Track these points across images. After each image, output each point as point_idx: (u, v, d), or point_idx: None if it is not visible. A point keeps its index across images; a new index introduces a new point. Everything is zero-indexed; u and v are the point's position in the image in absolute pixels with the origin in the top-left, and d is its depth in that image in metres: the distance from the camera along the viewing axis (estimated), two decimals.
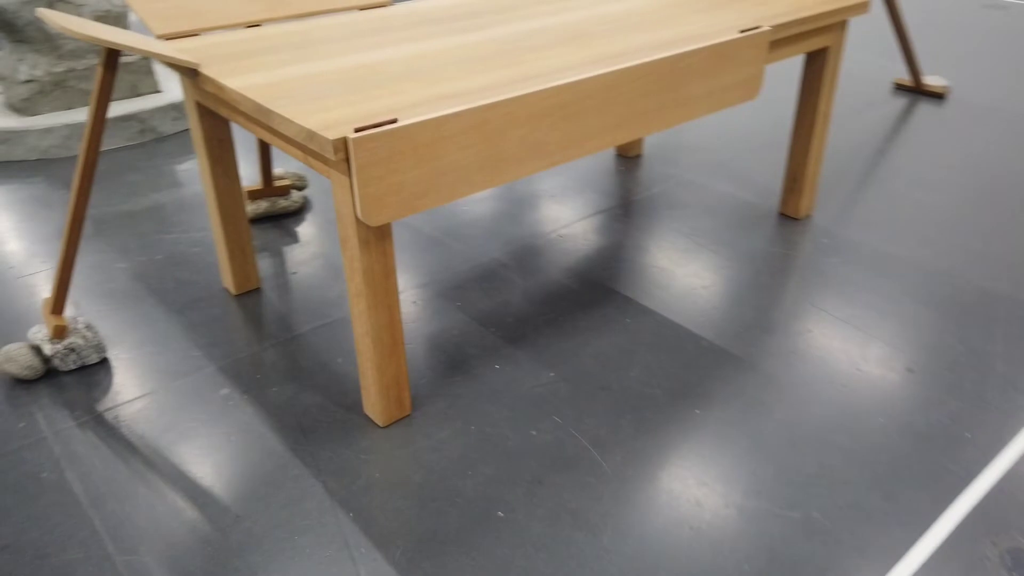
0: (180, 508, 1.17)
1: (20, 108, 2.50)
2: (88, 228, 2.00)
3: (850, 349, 1.52)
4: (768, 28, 1.55)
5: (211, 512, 1.17)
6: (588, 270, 1.80)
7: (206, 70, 1.32)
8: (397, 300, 1.25)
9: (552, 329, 1.59)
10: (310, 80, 1.27)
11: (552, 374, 1.46)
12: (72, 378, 1.45)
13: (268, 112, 1.16)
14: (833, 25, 1.79)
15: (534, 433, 1.32)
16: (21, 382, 1.44)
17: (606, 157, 2.42)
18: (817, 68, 1.86)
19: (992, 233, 1.95)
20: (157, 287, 1.74)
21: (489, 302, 1.69)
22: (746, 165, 2.36)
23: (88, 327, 1.48)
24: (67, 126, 2.42)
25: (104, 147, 2.49)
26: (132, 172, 2.33)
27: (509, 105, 1.18)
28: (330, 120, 1.10)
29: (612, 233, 1.97)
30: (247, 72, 1.31)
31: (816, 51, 1.85)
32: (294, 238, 1.95)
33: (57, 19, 1.26)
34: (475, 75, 1.29)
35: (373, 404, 1.32)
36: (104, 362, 1.50)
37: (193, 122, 1.54)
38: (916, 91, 2.95)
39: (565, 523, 1.15)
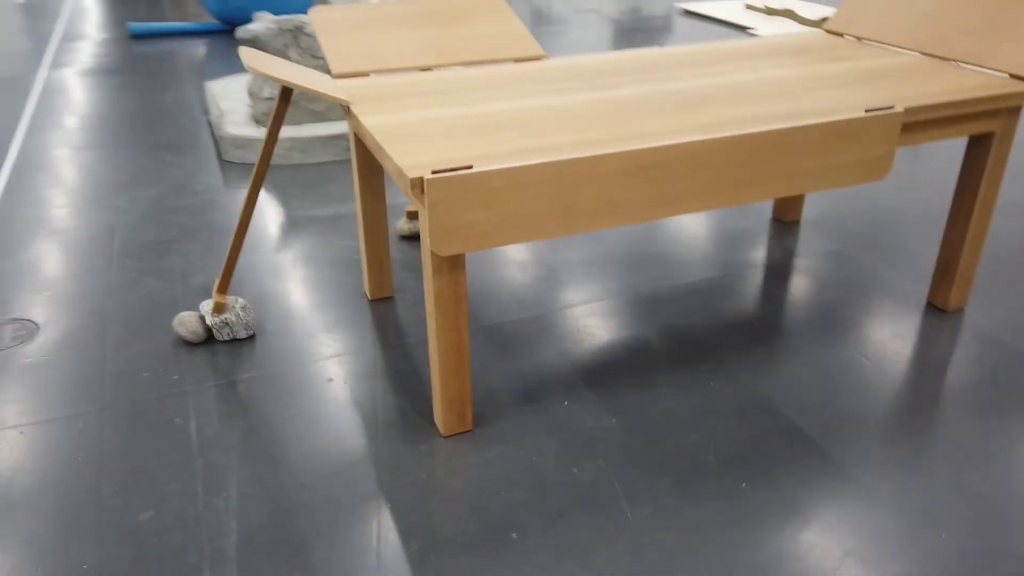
0: (261, 468, 1.40)
1: (260, 121, 2.99)
2: (283, 226, 2.36)
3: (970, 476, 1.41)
4: (899, 110, 1.50)
5: (284, 476, 1.38)
6: (696, 327, 1.82)
7: (355, 107, 1.56)
8: (466, 323, 1.39)
9: (633, 379, 1.64)
10: (435, 123, 1.45)
11: (614, 420, 1.51)
12: (224, 347, 1.76)
13: (379, 148, 1.35)
14: (1000, 110, 1.66)
15: (575, 471, 1.39)
16: (187, 343, 1.77)
17: (761, 218, 2.39)
18: (980, 153, 1.73)
19: None
20: (314, 283, 2.03)
21: (588, 343, 1.77)
22: (909, 243, 2.21)
23: (244, 308, 1.79)
24: (290, 139, 2.87)
25: (315, 160, 2.90)
26: (331, 183, 2.70)
27: (584, 163, 1.27)
28: (423, 161, 1.27)
29: (738, 296, 1.96)
30: (387, 112, 1.53)
31: (981, 135, 1.72)
32: None
33: (247, 56, 1.56)
34: (578, 131, 1.40)
35: (439, 415, 1.47)
36: (252, 338, 1.79)
37: (352, 149, 1.80)
38: None
39: (571, 559, 1.21)
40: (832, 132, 1.46)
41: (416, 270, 2.10)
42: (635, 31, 5.02)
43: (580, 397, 1.58)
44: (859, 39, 2.07)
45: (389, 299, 1.96)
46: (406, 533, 1.26)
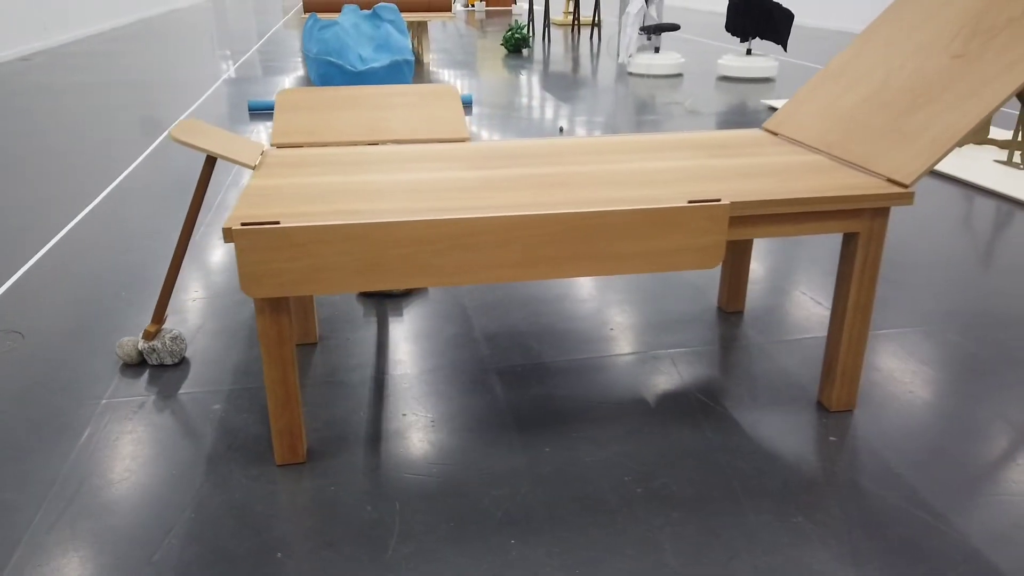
0: (117, 481, 1.61)
1: None
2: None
3: None
4: (725, 203, 1.55)
5: (119, 485, 1.58)
6: (559, 399, 1.89)
7: (257, 172, 1.81)
8: (292, 361, 1.56)
9: (479, 438, 1.73)
10: (313, 188, 1.67)
11: (435, 469, 1.61)
12: (153, 370, 2.02)
13: (239, 202, 1.58)
14: (863, 211, 1.67)
15: (368, 508, 1.50)
16: (126, 364, 2.05)
17: (706, 306, 2.41)
18: (850, 253, 1.73)
19: None
20: (248, 327, 2.28)
21: (457, 402, 1.88)
22: None
23: (174, 338, 2.05)
24: None
25: None
26: None
27: (388, 227, 1.44)
28: (255, 216, 1.48)
29: (628, 378, 2.01)
30: (282, 176, 1.77)
31: (851, 234, 1.72)
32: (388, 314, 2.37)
33: (180, 127, 1.86)
34: (427, 200, 1.57)
35: (274, 445, 1.64)
36: (176, 365, 2.05)
37: None
38: None
39: None
40: (653, 219, 1.54)
41: (349, 320, 2.31)
42: (724, 123, 5.13)
43: (417, 446, 1.70)
44: (788, 139, 2.12)
45: (312, 345, 2.17)
46: (190, 539, 1.42)
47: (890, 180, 1.70)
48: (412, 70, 5.29)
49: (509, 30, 8.83)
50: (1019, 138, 3.85)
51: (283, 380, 1.57)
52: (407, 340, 2.20)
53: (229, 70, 7.43)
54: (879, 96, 1.92)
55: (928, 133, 1.72)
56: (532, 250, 1.51)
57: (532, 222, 1.49)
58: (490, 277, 1.52)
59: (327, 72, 5.15)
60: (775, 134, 2.17)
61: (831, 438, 1.74)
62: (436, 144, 2.07)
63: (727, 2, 7.01)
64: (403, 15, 7.31)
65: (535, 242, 1.51)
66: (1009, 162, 3.89)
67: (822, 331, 2.26)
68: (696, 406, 1.87)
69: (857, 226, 1.68)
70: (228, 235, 1.42)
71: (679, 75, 7.26)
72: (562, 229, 1.51)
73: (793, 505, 1.52)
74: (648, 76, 7.18)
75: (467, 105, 5.67)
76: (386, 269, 1.47)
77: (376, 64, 5.09)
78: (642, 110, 5.60)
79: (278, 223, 1.43)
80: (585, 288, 2.54)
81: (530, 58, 8.41)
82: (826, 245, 2.96)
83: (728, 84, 6.76)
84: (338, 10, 7.09)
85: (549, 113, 5.51)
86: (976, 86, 1.73)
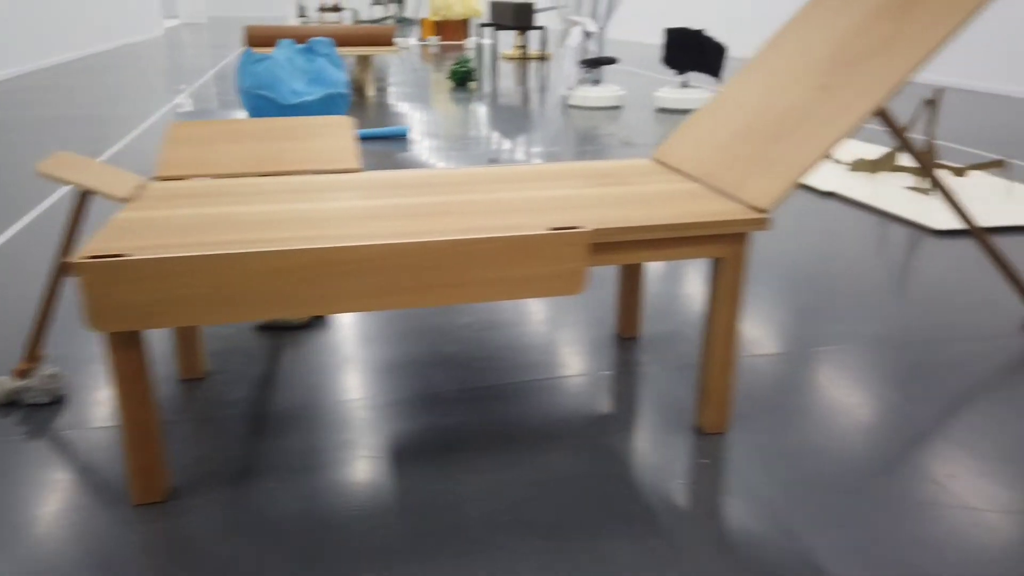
0: None
1: None
2: None
3: None
4: (586, 229, 1.58)
5: None
6: (428, 431, 1.88)
7: (131, 204, 1.79)
8: (149, 398, 1.53)
9: (332, 477, 1.72)
10: (184, 220, 1.65)
11: (296, 508, 1.59)
12: (28, 410, 1.97)
13: (95, 235, 1.57)
14: (723, 236, 1.71)
15: (224, 547, 1.47)
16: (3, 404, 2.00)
17: (605, 332, 2.43)
18: (716, 278, 1.76)
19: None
20: None
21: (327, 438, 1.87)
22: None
23: (52, 375, 2.00)
24: None
25: None
26: None
27: (233, 259, 1.43)
28: (107, 248, 1.46)
29: (507, 404, 2.01)
30: (154, 209, 1.75)
31: (717, 259, 1.76)
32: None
33: (51, 161, 1.84)
34: (296, 230, 1.57)
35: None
36: (52, 404, 2.00)
37: None
38: None
39: None
40: (513, 246, 1.56)
41: (243, 353, 2.28)
42: None
43: (286, 483, 1.68)
44: (672, 168, 2.16)
45: (199, 379, 2.14)
46: (18, 560, 1.38)
47: (752, 207, 1.74)
48: (347, 103, 5.31)
49: (455, 64, 8.94)
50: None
51: (139, 417, 1.54)
52: (297, 373, 2.18)
53: (183, 103, 7.39)
54: (752, 126, 1.98)
55: (787, 161, 1.77)
56: (390, 279, 1.52)
57: (386, 251, 1.50)
58: (348, 307, 1.52)
59: (259, 105, 5.14)
60: (664, 164, 2.22)
61: (703, 460, 1.76)
62: (324, 175, 2.08)
63: (664, 36, 7.19)
64: (344, 49, 7.36)
65: (392, 271, 1.51)
66: (918, 188, 4.02)
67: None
68: (579, 433, 1.88)
69: (720, 251, 1.72)
70: (72, 268, 1.40)
71: (618, 107, 7.39)
72: (419, 258, 1.52)
73: (652, 529, 1.53)
74: (588, 108, 7.30)
75: (402, 137, 5.71)
76: (239, 301, 1.46)
77: (309, 97, 5.11)
78: (580, 141, 5.69)
79: (121, 255, 1.41)
80: (487, 315, 2.55)
81: (476, 91, 8.50)
82: None
83: (665, 116, 6.90)
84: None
85: (484, 146, 5.56)
86: (834, 115, 1.79)
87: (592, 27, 7.08)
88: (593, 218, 1.66)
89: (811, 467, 1.74)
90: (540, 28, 10.31)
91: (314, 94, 5.13)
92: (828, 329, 2.46)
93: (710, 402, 1.85)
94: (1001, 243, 3.31)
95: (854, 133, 1.69)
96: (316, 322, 2.51)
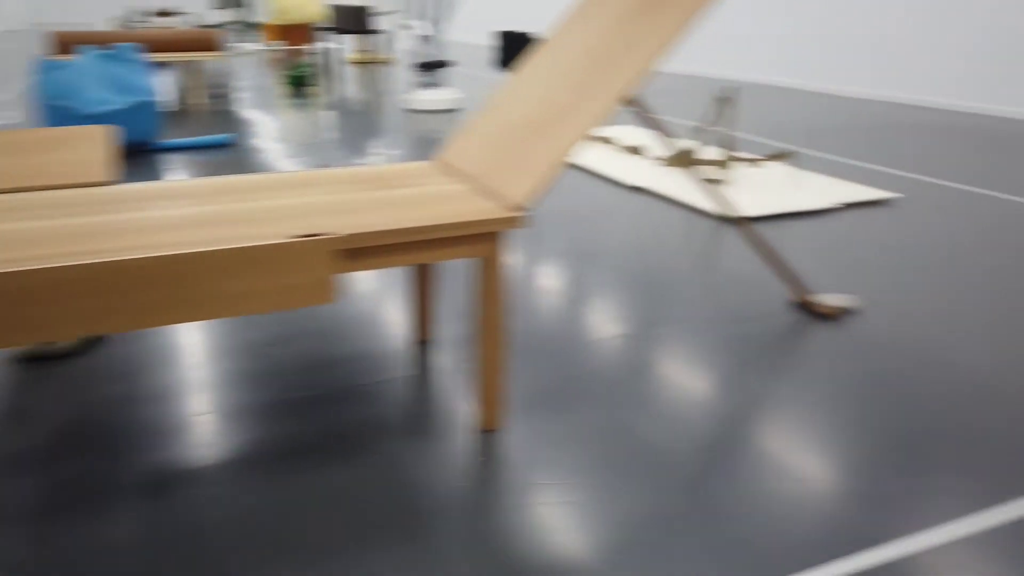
0: None
1: None
2: None
3: None
4: (331, 237, 1.55)
5: None
6: (178, 460, 1.80)
7: None
8: None
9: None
10: None
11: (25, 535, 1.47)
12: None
13: None
14: (483, 236, 1.72)
15: None
16: None
17: (401, 337, 2.41)
18: (479, 277, 1.78)
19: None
20: None
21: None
22: (514, 364, 2.23)
23: None
24: None
25: None
26: None
27: None
28: None
29: (281, 426, 1.95)
30: None
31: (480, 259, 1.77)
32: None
33: None
34: (18, 251, 1.44)
35: None
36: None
37: None
38: (807, 309, 2.62)
39: None
40: (254, 257, 1.50)
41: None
42: None
43: (23, 523, 1.54)
44: (452, 168, 2.16)
45: None
46: None
47: (512, 206, 1.77)
48: (155, 111, 5.02)
49: (291, 69, 8.68)
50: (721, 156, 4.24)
51: None
52: (55, 407, 2.02)
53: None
54: (521, 125, 2.01)
55: (544, 159, 1.81)
56: (121, 298, 1.42)
57: (110, 269, 1.40)
58: (89, 328, 1.41)
59: (59, 116, 4.77)
60: (448, 165, 2.23)
61: (481, 458, 1.77)
62: (68, 189, 1.93)
63: (495, 39, 7.27)
64: (164, 55, 6.97)
65: (122, 289, 1.42)
66: (720, 180, 4.27)
67: (554, 346, 2.32)
68: (357, 442, 1.84)
69: (478, 251, 1.73)
70: None
71: (456, 110, 7.42)
72: (152, 274, 1.43)
73: (414, 532, 1.52)
74: (425, 112, 7.29)
75: (224, 146, 5.47)
76: None
77: (113, 106, 4.79)
78: (416, 145, 5.65)
79: None
80: (280, 327, 2.47)
81: (315, 97, 8.29)
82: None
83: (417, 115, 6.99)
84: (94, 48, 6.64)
85: (316, 151, 5.42)
86: (582, 113, 1.85)
87: (426, 31, 7.07)
88: (349, 223, 1.63)
89: (588, 454, 1.79)
90: (381, 32, 10.20)
91: (118, 103, 4.81)
92: (625, 317, 2.56)
93: (486, 400, 1.86)
94: (790, 227, 3.56)
95: (601, 125, 1.75)
96: (93, 345, 2.34)
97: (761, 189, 4.13)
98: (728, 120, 4.01)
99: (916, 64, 7.67)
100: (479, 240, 1.72)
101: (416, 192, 1.90)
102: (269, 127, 6.38)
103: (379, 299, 2.73)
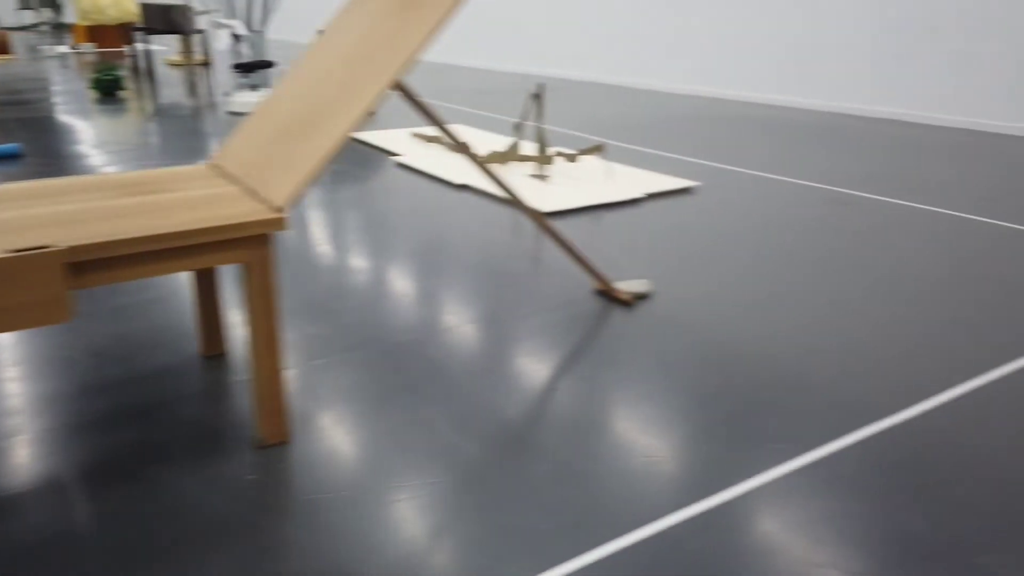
0: None
1: None
2: None
3: None
4: (57, 250, 1.41)
5: None
6: None
7: None
8: None
9: None
10: None
11: None
12: None
13: None
14: (241, 240, 1.63)
15: None
16: None
17: (185, 354, 2.26)
18: (245, 284, 1.69)
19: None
20: None
21: None
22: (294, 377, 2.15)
23: None
24: None
25: None
26: None
27: None
28: None
29: (48, 455, 1.77)
30: None
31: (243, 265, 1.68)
32: None
33: None
34: None
35: None
36: None
37: None
38: (607, 296, 2.71)
39: None
40: None
41: None
42: None
43: None
44: (223, 171, 2.05)
45: None
46: None
47: (269, 209, 1.69)
48: None
49: (98, 72, 8.05)
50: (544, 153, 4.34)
51: None
52: None
53: None
54: (288, 125, 1.93)
55: (306, 158, 1.74)
56: None
57: None
58: None
59: None
60: (218, 167, 2.11)
61: (248, 477, 1.68)
62: None
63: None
64: None
65: None
66: (538, 175, 4.36)
67: (335, 356, 2.23)
68: (132, 469, 1.70)
69: (239, 257, 1.64)
70: None
71: None
72: None
73: (185, 560, 1.41)
74: (247, 113, 6.98)
75: (13, 156, 4.97)
76: None
77: None
78: None
79: None
80: (64, 345, 2.25)
81: (127, 101, 7.73)
82: None
83: None
84: None
85: (117, 157, 5.04)
86: (345, 110, 1.80)
87: (241, 30, 6.76)
88: (76, 235, 1.49)
89: (380, 457, 1.74)
90: (199, 32, 9.66)
91: None
92: (438, 316, 2.53)
93: (266, 413, 1.77)
94: (602, 218, 3.68)
95: (364, 122, 1.70)
96: None
97: (576, 183, 4.25)
98: (540, 116, 4.09)
99: (721, 62, 8.20)
100: (236, 245, 1.63)
101: (177, 197, 1.78)
102: (69, 135, 5.87)
103: (170, 311, 2.56)
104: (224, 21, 6.68)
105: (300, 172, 1.71)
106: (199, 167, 2.10)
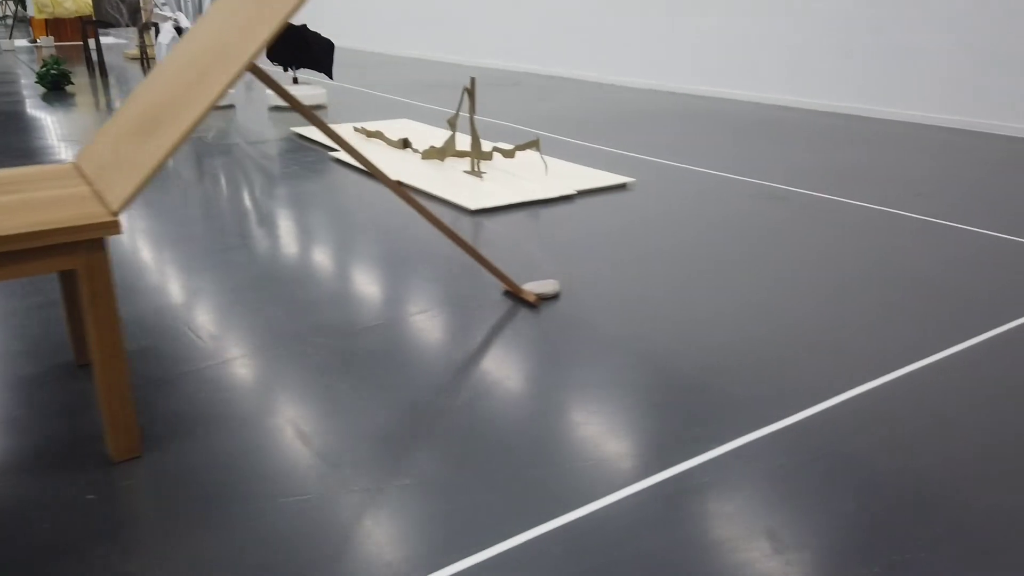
0: None
1: None
2: None
3: None
4: None
5: None
6: None
7: None
8: None
9: None
10: None
11: None
12: None
13: None
14: (74, 245, 1.53)
15: None
16: None
17: (57, 362, 2.16)
18: (81, 294, 1.59)
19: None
20: None
21: None
22: (143, 390, 2.05)
23: None
24: None
25: None
26: None
27: None
28: None
29: None
30: None
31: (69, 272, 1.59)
32: None
33: None
34: None
35: None
36: None
37: None
38: (515, 297, 2.63)
39: None
40: None
41: None
42: (225, 154, 4.91)
43: None
44: (81, 171, 1.94)
45: None
46: None
47: (95, 213, 1.58)
48: None
49: (44, 65, 7.86)
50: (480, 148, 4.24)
51: None
52: None
53: None
54: (140, 123, 1.83)
55: (147, 160, 1.65)
56: None
57: None
58: None
59: None
60: (78, 167, 2.00)
61: (89, 496, 1.58)
62: None
63: None
64: None
65: None
66: (473, 171, 4.27)
67: (192, 366, 2.13)
68: None
69: (67, 263, 1.54)
70: None
71: (230, 106, 7.01)
72: None
73: None
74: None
75: None
76: None
77: None
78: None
79: None
80: None
81: (72, 95, 7.55)
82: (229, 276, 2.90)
83: (280, 114, 6.68)
84: None
85: (53, 155, 4.89)
86: (191, 106, 1.70)
87: (186, 22, 6.60)
88: None
89: (223, 485, 1.65)
90: (153, 26, 9.47)
91: None
92: (328, 321, 2.44)
93: (114, 428, 1.68)
94: (536, 215, 3.60)
95: (204, 118, 1.61)
96: None
97: (512, 179, 4.16)
98: (472, 110, 4.00)
99: (677, 57, 8.14)
100: (64, 251, 1.53)
101: (25, 198, 1.67)
102: (12, 129, 5.70)
103: (55, 317, 2.45)
104: (167, 13, 6.53)
105: (139, 174, 1.61)
106: (65, 166, 2.00)
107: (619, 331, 2.37)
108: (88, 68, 9.77)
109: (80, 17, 13.28)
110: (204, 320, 2.45)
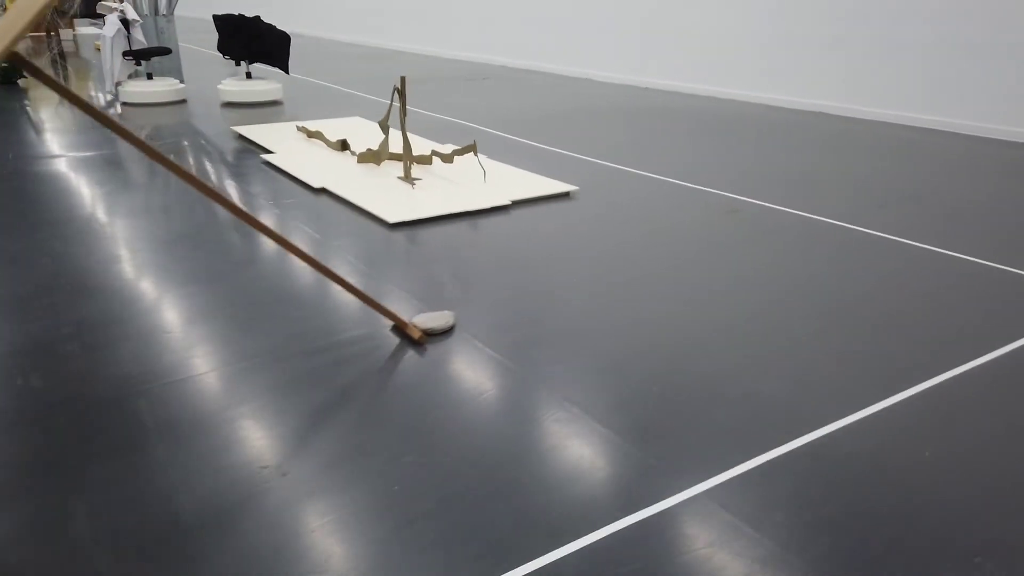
0: None
1: None
2: None
3: None
4: None
5: None
6: None
7: None
8: None
9: None
10: None
11: None
12: None
13: None
14: None
15: None
16: None
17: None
18: None
19: None
20: None
21: None
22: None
23: None
24: None
25: None
26: None
27: None
28: None
29: None
30: None
31: None
32: None
33: None
34: None
35: None
36: None
37: None
38: (401, 333, 2.31)
39: None
40: None
41: None
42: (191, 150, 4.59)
43: None
44: None
45: None
46: None
47: None
48: None
49: None
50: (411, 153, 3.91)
51: None
52: None
53: None
54: None
55: None
56: None
57: None
58: None
59: None
60: None
61: None
62: None
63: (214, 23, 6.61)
64: None
65: None
66: (405, 178, 3.94)
67: None
68: None
69: None
70: None
71: (182, 101, 6.69)
72: None
73: None
74: (143, 105, 6.50)
75: None
76: None
77: None
78: (99, 145, 4.91)
79: None
80: None
81: (24, 89, 7.25)
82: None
83: (232, 110, 6.35)
84: None
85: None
86: None
87: (132, 14, 6.27)
88: None
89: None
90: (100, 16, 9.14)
91: None
92: (185, 359, 2.12)
93: None
94: (470, 228, 3.27)
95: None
96: None
97: (448, 186, 3.84)
98: (403, 111, 3.68)
99: (653, 52, 7.79)
100: None
101: None
102: None
103: None
104: (112, 4, 6.20)
105: None
106: None
107: (507, 379, 2.05)
108: (51, 60, 9.47)
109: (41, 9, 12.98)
110: (71, 352, 2.13)
